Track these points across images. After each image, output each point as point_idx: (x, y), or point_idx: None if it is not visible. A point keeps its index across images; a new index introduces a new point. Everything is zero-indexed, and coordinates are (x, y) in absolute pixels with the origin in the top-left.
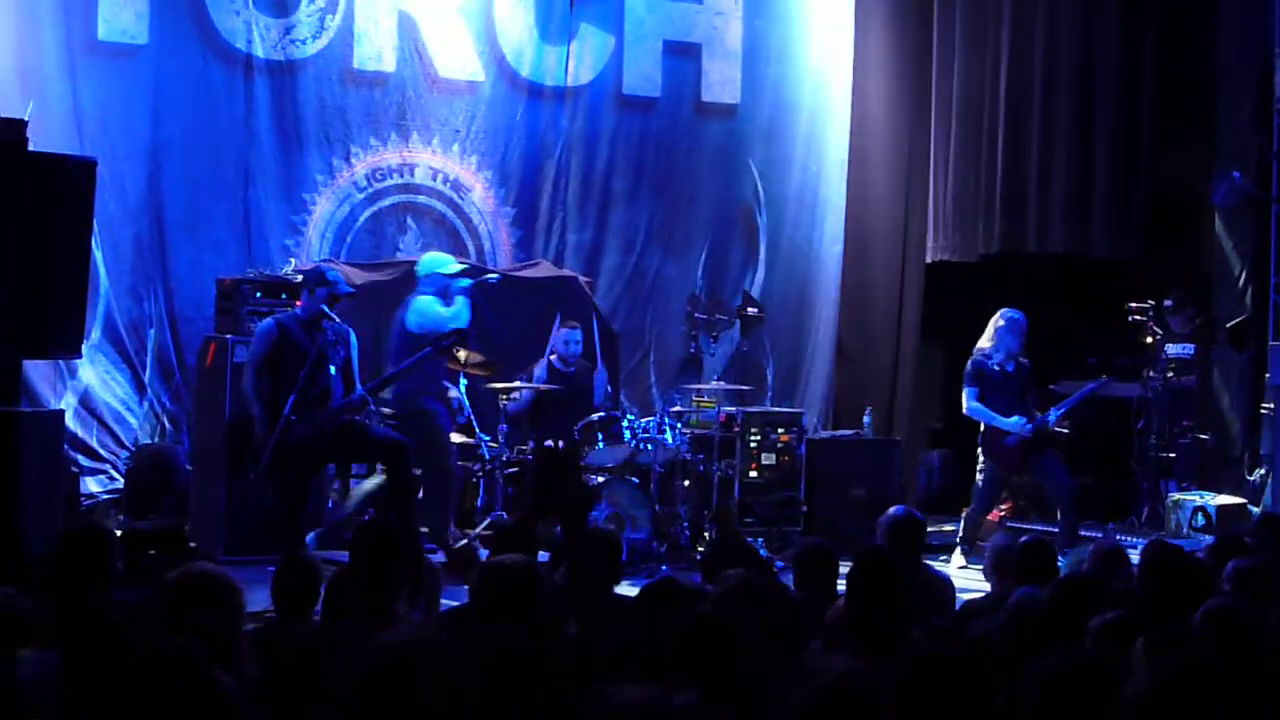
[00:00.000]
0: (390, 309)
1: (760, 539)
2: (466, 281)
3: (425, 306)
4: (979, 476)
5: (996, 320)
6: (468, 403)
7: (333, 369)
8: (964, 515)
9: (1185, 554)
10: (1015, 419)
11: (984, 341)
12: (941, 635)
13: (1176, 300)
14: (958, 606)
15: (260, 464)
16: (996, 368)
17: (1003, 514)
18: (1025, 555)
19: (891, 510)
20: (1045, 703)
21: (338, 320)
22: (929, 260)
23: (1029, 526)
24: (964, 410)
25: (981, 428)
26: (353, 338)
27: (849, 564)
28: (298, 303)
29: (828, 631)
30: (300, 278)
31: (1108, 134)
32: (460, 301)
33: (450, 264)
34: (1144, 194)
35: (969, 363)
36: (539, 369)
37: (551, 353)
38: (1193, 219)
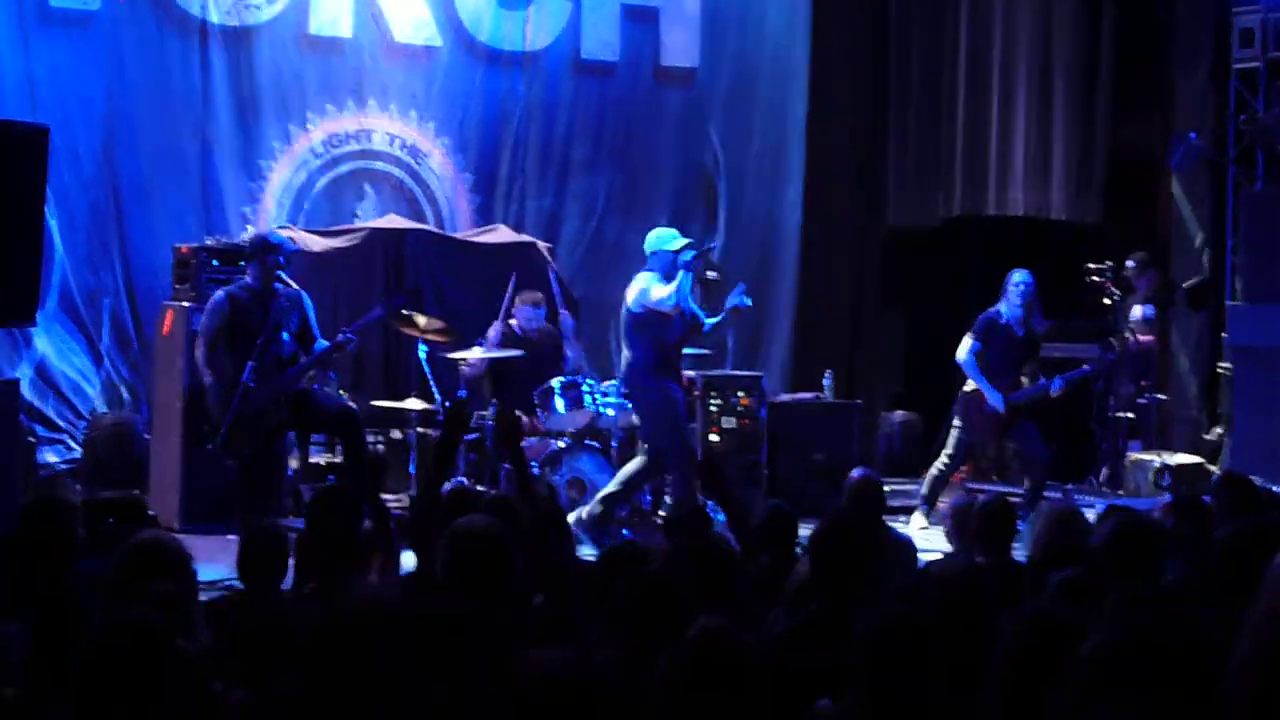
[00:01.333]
0: (348, 274)
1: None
2: (689, 255)
3: (645, 283)
4: (951, 437)
5: (1006, 279)
6: (428, 368)
7: (286, 335)
8: (928, 476)
9: (1146, 516)
10: (997, 393)
11: (1002, 300)
12: (905, 595)
13: (1139, 261)
14: (919, 567)
15: (219, 434)
16: (1004, 324)
17: (962, 475)
18: (985, 516)
19: (853, 473)
20: (1008, 659)
21: (293, 285)
22: (890, 224)
23: (988, 488)
24: (957, 357)
25: (965, 388)
26: (306, 300)
27: (811, 527)
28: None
29: (790, 596)
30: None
31: (1067, 98)
32: (680, 276)
33: (675, 240)
34: (1102, 157)
35: (981, 315)
36: (493, 332)
37: (510, 317)
38: (1150, 182)
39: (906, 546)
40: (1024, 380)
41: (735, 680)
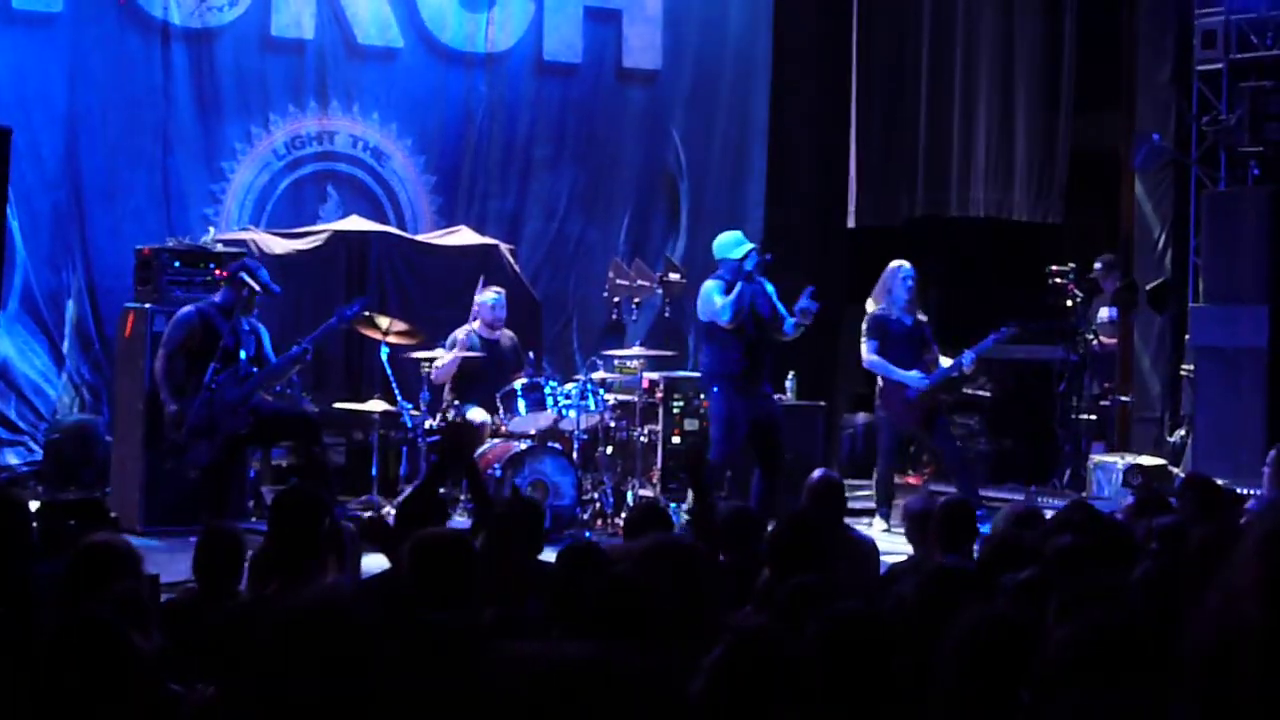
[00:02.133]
0: (311, 276)
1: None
2: (750, 263)
3: (707, 293)
4: (880, 437)
5: (886, 274)
6: (390, 370)
7: (244, 355)
8: (874, 478)
9: (1101, 513)
10: (914, 373)
11: (874, 298)
12: (861, 596)
13: (1106, 263)
14: (883, 570)
15: (178, 447)
16: (894, 320)
17: (925, 476)
18: (945, 517)
19: (814, 474)
20: (962, 662)
21: (255, 288)
22: (851, 225)
23: (947, 489)
24: (863, 362)
25: (879, 382)
26: (264, 332)
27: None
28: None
29: (758, 597)
30: (220, 246)
31: (1029, 99)
32: (738, 287)
33: (739, 246)
34: (1065, 158)
35: (867, 316)
36: (463, 334)
37: (475, 319)
38: (1113, 183)
39: (869, 548)
40: (940, 366)
41: (779, 682)
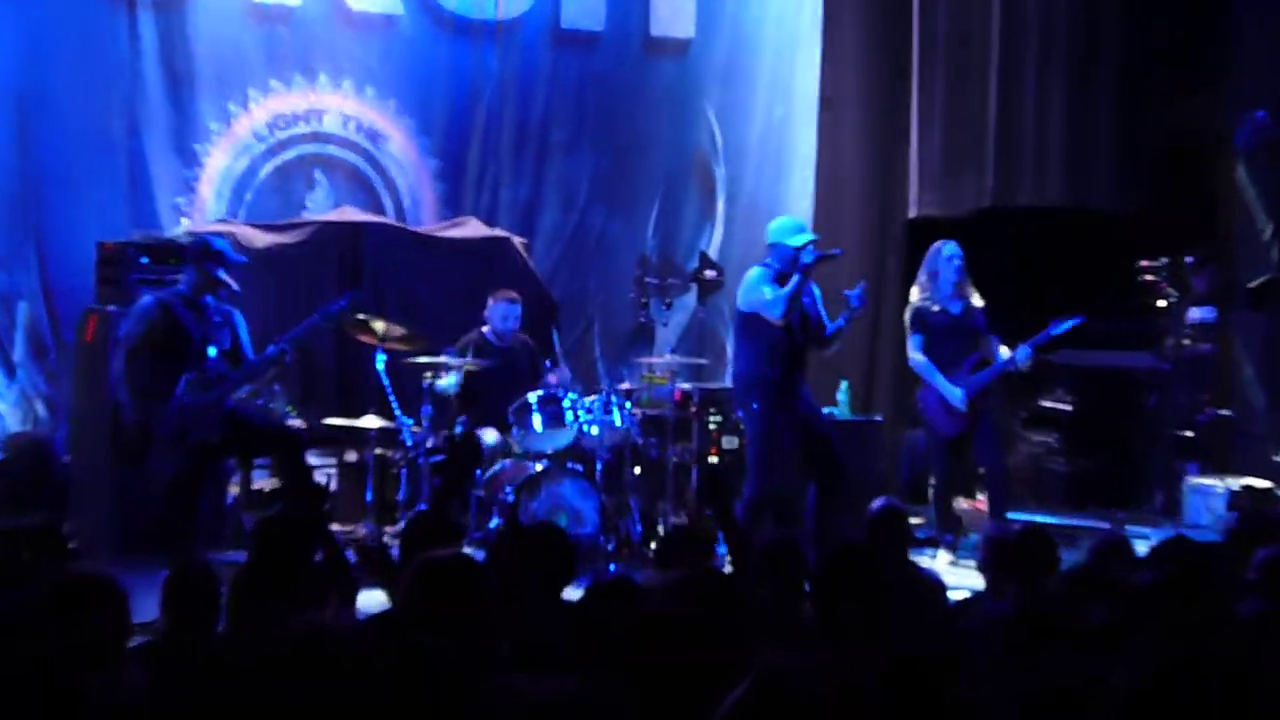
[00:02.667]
0: (297, 275)
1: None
2: (809, 256)
3: (752, 282)
4: (929, 449)
5: (928, 256)
6: (387, 381)
7: (214, 352)
8: (932, 500)
9: (1198, 545)
10: (957, 390)
11: (918, 285)
12: (926, 634)
13: (1199, 257)
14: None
15: (142, 456)
16: (938, 309)
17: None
18: (1019, 547)
19: (875, 503)
20: (1040, 707)
21: (234, 286)
22: (912, 216)
23: (1024, 517)
24: (910, 362)
25: (921, 386)
26: (238, 318)
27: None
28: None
29: (801, 636)
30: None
31: (1113, 74)
32: (794, 280)
33: (798, 234)
34: (1154, 140)
35: (908, 308)
36: (475, 337)
37: (484, 324)
38: (1209, 167)
39: (933, 584)
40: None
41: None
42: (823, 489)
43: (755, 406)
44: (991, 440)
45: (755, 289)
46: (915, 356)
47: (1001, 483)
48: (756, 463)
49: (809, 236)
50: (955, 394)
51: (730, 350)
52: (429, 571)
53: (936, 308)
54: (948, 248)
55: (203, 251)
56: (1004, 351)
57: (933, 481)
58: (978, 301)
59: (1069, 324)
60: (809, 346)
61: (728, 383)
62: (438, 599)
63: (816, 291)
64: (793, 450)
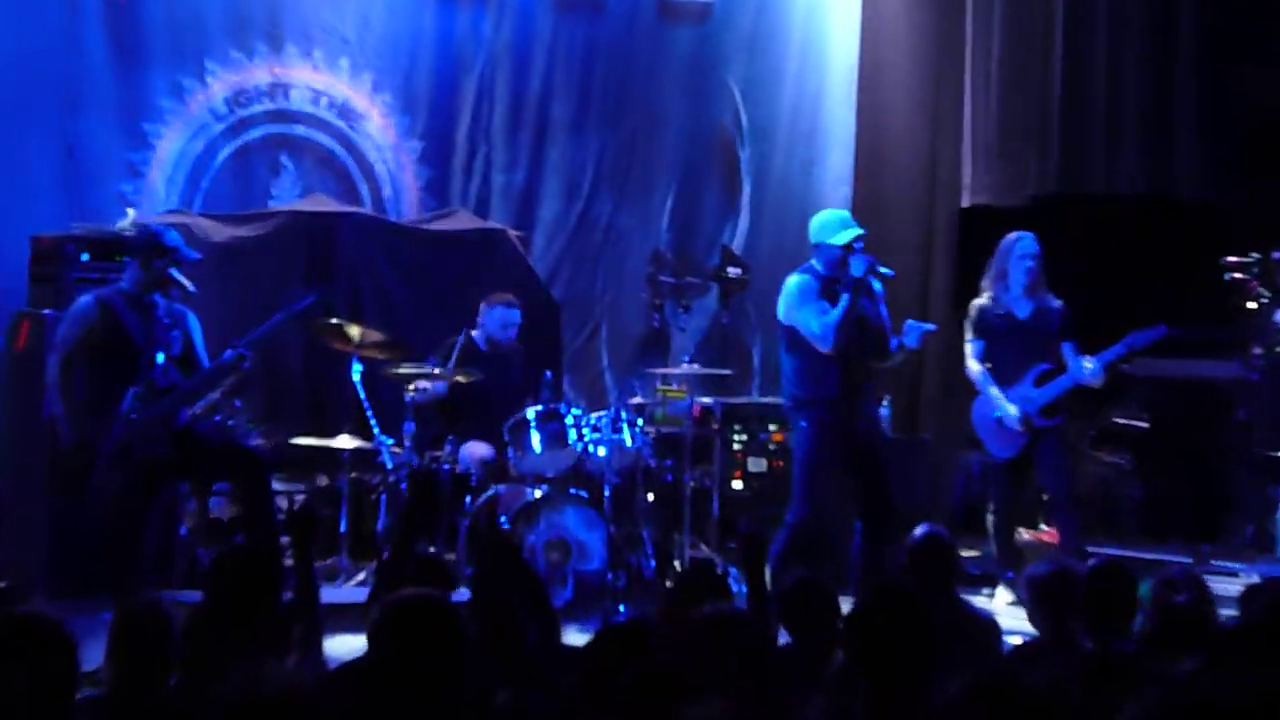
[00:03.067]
0: (260, 273)
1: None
2: (858, 267)
3: (794, 299)
4: (986, 471)
5: (999, 250)
6: (364, 394)
7: (162, 359)
8: (991, 532)
9: None
10: (1012, 407)
11: (985, 283)
12: (986, 687)
13: None
14: (1004, 651)
15: (83, 479)
16: (1002, 312)
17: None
18: (1092, 586)
19: (916, 531)
20: None
21: (188, 286)
22: (964, 205)
23: (1091, 549)
24: (967, 370)
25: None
26: (192, 319)
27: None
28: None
29: (831, 686)
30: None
31: (1195, 40)
32: (842, 301)
33: (843, 229)
34: (1243, 119)
35: (970, 308)
36: (465, 342)
37: (476, 328)
38: None
39: (987, 625)
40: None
41: None
42: (868, 532)
43: (803, 425)
44: (1057, 463)
45: (798, 310)
46: (971, 365)
47: (1071, 511)
48: (800, 489)
49: (854, 232)
50: (1009, 411)
51: (756, 359)
52: (395, 616)
53: (1000, 309)
54: (1021, 244)
55: (149, 245)
56: (1086, 364)
57: (991, 509)
58: (1053, 303)
59: (1151, 336)
60: (870, 358)
61: (754, 397)
62: (408, 647)
63: (878, 287)
64: (844, 479)
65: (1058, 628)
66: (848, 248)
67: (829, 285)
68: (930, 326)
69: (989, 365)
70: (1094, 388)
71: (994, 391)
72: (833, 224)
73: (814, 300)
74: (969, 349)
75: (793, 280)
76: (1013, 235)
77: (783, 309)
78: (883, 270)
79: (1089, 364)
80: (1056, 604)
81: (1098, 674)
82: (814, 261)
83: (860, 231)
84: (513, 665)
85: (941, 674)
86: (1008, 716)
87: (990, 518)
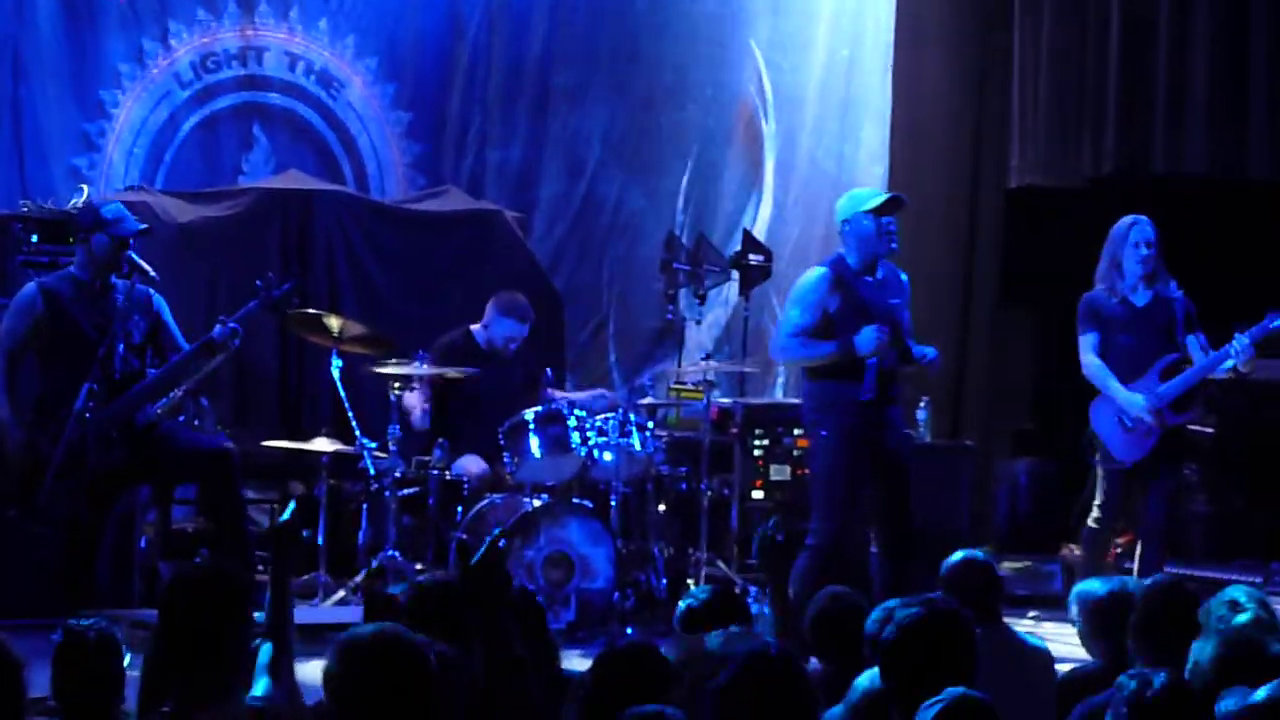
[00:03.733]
0: (229, 257)
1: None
2: (870, 344)
3: (801, 281)
4: (1097, 477)
5: (1111, 236)
6: (344, 393)
7: (122, 348)
8: (1082, 538)
9: None
10: (1138, 397)
11: (1099, 274)
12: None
13: None
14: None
15: (35, 491)
16: (1117, 302)
17: (1119, 549)
18: (1149, 607)
19: (953, 556)
20: None
21: (148, 271)
22: (1013, 186)
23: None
24: (1082, 368)
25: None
26: (158, 301)
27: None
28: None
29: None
30: None
31: (1270, 13)
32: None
33: (869, 197)
34: None
35: (1081, 299)
36: (462, 339)
37: (482, 325)
38: None
39: (1038, 656)
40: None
41: None
42: (886, 551)
43: (824, 434)
44: (1167, 481)
45: (790, 304)
46: (1087, 359)
47: (1158, 536)
48: (822, 505)
49: (880, 198)
50: (1137, 403)
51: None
52: (352, 654)
53: (1115, 297)
54: (1136, 229)
55: (88, 219)
56: (1236, 342)
57: (1095, 517)
58: (1174, 292)
59: None
60: (899, 363)
61: (779, 396)
62: (367, 688)
63: (904, 279)
64: (863, 490)
65: (1116, 653)
66: (877, 211)
67: (855, 280)
68: (931, 355)
69: (1106, 359)
70: (1241, 372)
71: (1116, 386)
72: (862, 195)
73: (812, 304)
74: (1083, 343)
75: (810, 273)
76: (1126, 220)
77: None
78: (926, 356)
79: (1239, 342)
80: (1114, 627)
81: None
82: (843, 250)
83: (888, 195)
84: (509, 698)
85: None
86: None
87: (1090, 526)
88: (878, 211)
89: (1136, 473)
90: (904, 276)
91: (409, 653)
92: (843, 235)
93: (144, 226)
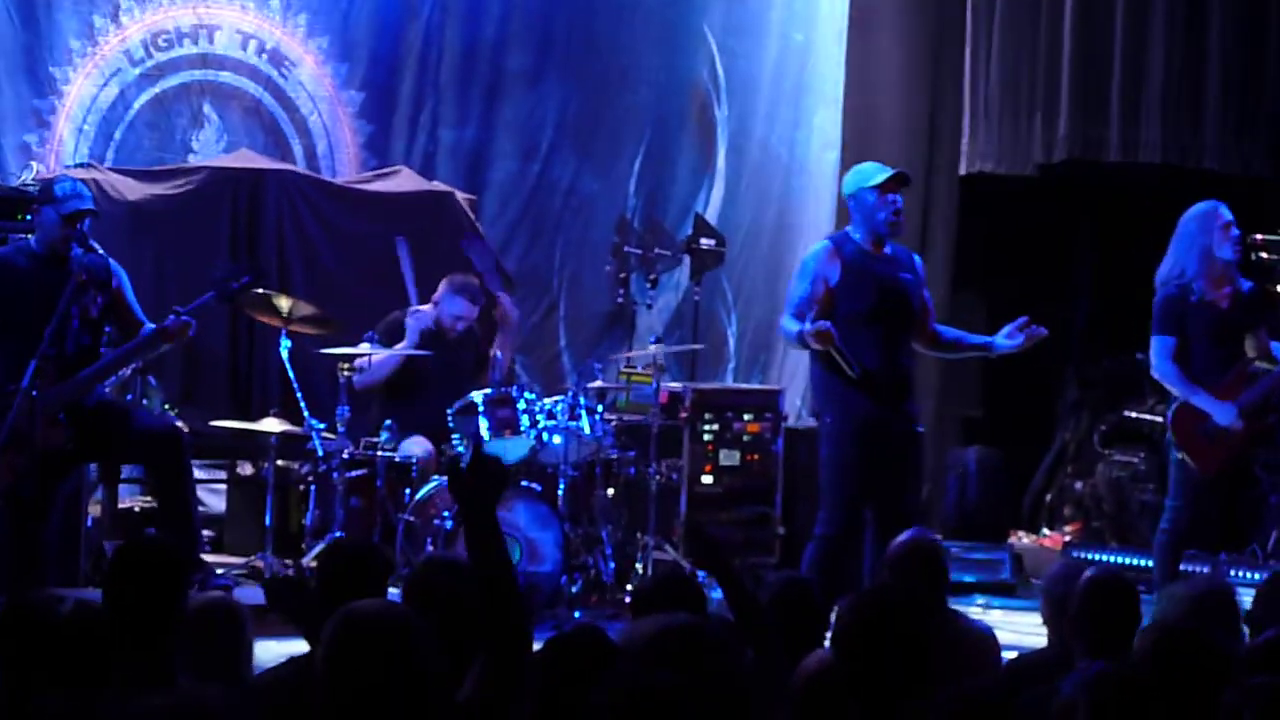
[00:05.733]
0: (179, 236)
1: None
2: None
3: (806, 255)
4: (1171, 477)
5: (1188, 222)
6: (293, 373)
7: (77, 323)
8: (1156, 544)
9: None
10: (1224, 404)
11: (1167, 264)
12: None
13: None
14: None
15: None
16: (1195, 300)
17: (1068, 537)
18: (1090, 599)
19: (900, 536)
20: None
21: (98, 250)
22: (964, 172)
23: (1100, 555)
24: (1153, 371)
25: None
26: (117, 270)
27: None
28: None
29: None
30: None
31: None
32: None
33: (875, 173)
34: (1278, 84)
35: (1157, 295)
36: (413, 321)
37: (431, 303)
38: None
39: (984, 640)
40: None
41: None
42: (878, 538)
43: (828, 420)
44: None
45: (795, 279)
46: (1160, 364)
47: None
48: (829, 493)
49: (890, 171)
50: (1217, 407)
51: (732, 340)
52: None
53: (1197, 298)
54: (1222, 211)
55: (43, 196)
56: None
57: (1164, 527)
58: (1244, 284)
59: None
60: (911, 339)
61: (728, 382)
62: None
63: (918, 261)
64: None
65: (1063, 638)
66: (883, 188)
67: (859, 255)
68: (1040, 330)
69: (1183, 366)
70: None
71: (1200, 394)
72: (868, 169)
73: (814, 275)
74: (1155, 347)
75: (814, 246)
76: (1202, 206)
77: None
78: (927, 302)
79: None
80: (1064, 611)
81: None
82: (850, 227)
83: (899, 170)
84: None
85: (936, 692)
86: None
87: (1164, 533)
88: (882, 188)
89: (1221, 482)
90: (917, 258)
91: (411, 630)
92: (851, 209)
93: (91, 208)
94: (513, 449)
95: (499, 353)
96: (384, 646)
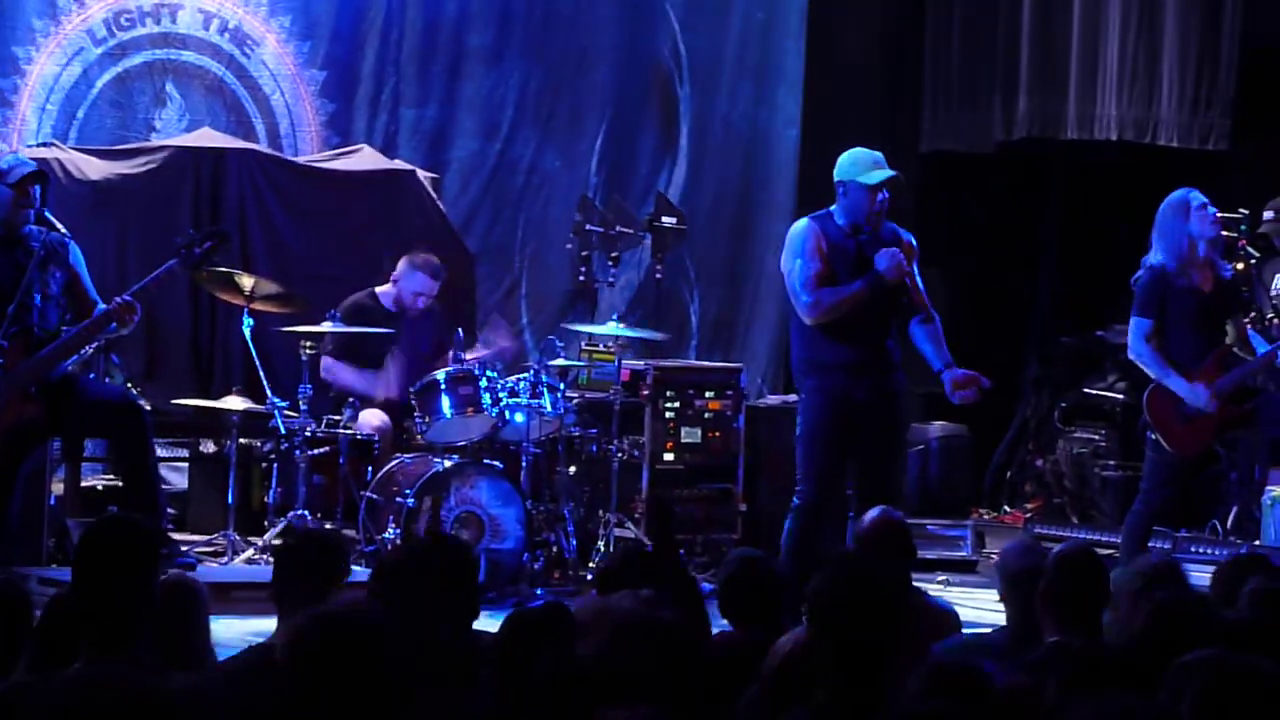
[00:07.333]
0: (141, 214)
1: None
2: (885, 261)
3: (791, 234)
4: (1148, 460)
5: (1166, 210)
6: (255, 351)
7: (39, 299)
8: (1126, 522)
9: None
10: (1196, 387)
11: (1151, 254)
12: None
13: None
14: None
15: None
16: (1183, 283)
17: (1029, 514)
18: (1059, 574)
19: (868, 514)
20: None
21: (60, 229)
22: (924, 150)
23: (1060, 533)
24: (1129, 350)
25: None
26: (73, 248)
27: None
28: None
29: (769, 678)
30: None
31: None
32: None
33: (872, 167)
34: (1233, 60)
35: (1141, 276)
36: (367, 298)
37: (391, 280)
38: None
39: (946, 618)
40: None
41: None
42: (860, 515)
43: (804, 394)
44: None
45: (790, 258)
46: (1136, 344)
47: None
48: (804, 464)
49: (886, 173)
50: (1190, 390)
51: (694, 318)
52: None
53: (1183, 281)
54: (1195, 198)
55: None
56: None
57: (1137, 508)
58: (1226, 269)
59: None
60: (896, 315)
61: (690, 360)
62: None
63: (907, 236)
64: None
65: (1025, 617)
66: (875, 189)
67: (841, 237)
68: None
69: (1158, 347)
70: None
71: (1172, 376)
72: (864, 160)
73: (811, 250)
74: (1134, 328)
75: (796, 224)
76: (1179, 193)
77: (783, 256)
78: (917, 280)
79: None
80: (1027, 590)
81: (1068, 670)
82: (834, 207)
83: (893, 174)
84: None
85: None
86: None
87: (1135, 513)
88: (874, 188)
89: (1193, 462)
90: (905, 234)
91: (368, 631)
92: (838, 191)
93: (35, 167)
94: None
95: (460, 332)
96: (352, 651)
